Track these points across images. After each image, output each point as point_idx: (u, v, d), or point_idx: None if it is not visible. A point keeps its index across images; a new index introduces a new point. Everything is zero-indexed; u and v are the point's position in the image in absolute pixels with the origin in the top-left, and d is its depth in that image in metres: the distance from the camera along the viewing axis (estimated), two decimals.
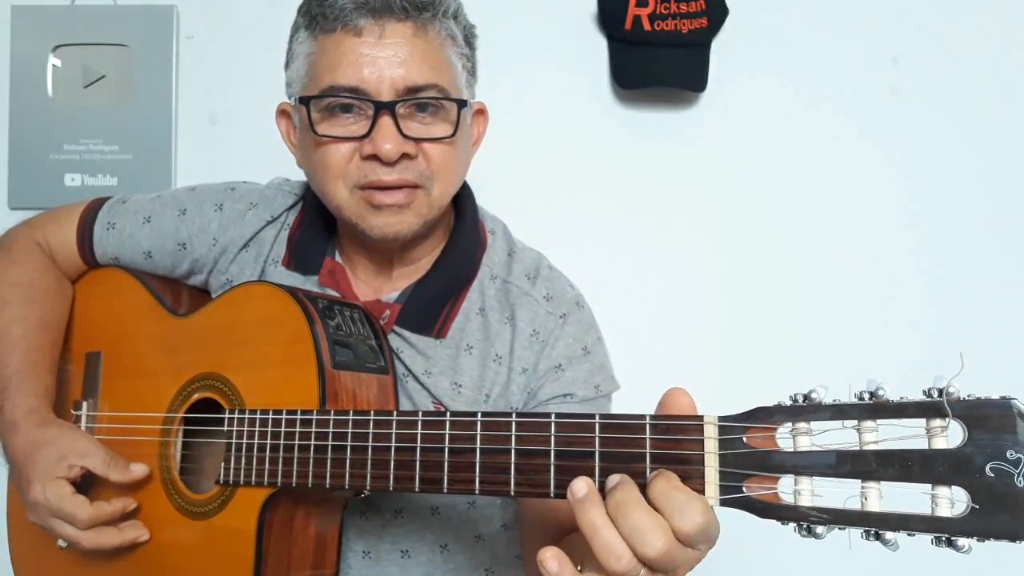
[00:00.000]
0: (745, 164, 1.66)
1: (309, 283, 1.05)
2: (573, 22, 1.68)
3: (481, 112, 1.07)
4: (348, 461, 0.80)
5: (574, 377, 1.00)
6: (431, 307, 1.02)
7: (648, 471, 0.64)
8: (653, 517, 0.60)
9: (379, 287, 1.05)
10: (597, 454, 0.66)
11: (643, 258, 1.66)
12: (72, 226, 1.14)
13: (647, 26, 1.59)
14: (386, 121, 0.91)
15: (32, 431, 0.98)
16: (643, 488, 0.63)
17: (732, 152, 1.66)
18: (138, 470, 0.97)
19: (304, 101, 0.95)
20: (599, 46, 1.66)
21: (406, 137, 0.91)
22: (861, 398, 0.57)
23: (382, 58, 0.91)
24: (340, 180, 0.94)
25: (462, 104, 0.94)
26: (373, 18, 0.91)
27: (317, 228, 1.07)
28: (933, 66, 1.65)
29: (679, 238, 1.66)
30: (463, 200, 1.08)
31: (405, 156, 0.92)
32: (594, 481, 0.66)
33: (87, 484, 0.98)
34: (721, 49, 1.63)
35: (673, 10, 1.59)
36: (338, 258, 1.07)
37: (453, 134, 0.94)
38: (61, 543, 1.00)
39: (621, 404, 1.03)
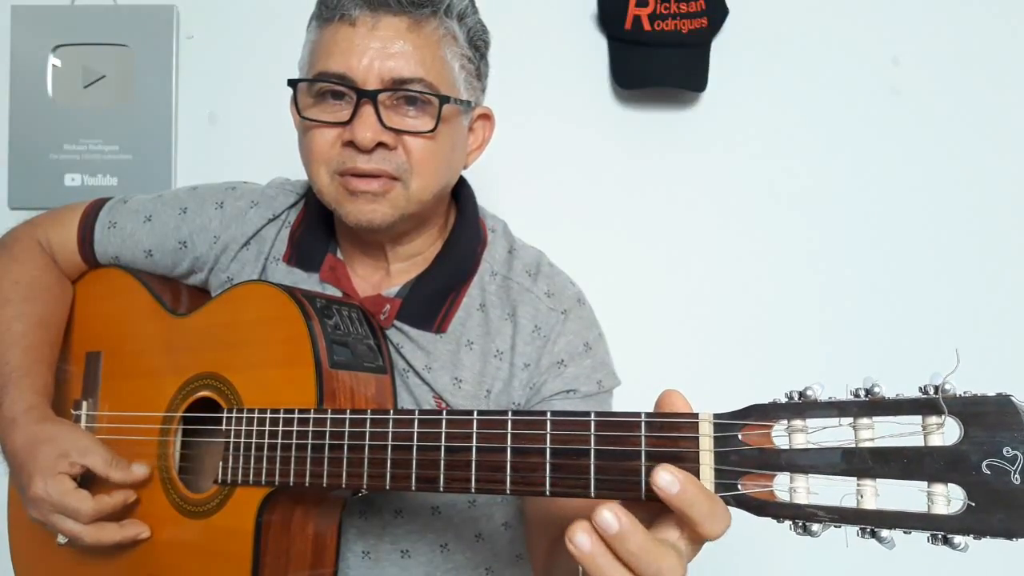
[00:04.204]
0: (745, 164, 1.66)
1: (311, 279, 1.05)
2: (573, 22, 1.68)
3: (487, 117, 1.07)
4: (345, 460, 0.80)
5: (577, 373, 1.01)
6: (431, 302, 1.02)
7: (644, 469, 0.63)
8: (667, 551, 0.60)
9: (379, 283, 1.05)
10: (592, 452, 0.66)
11: (642, 257, 1.66)
12: (73, 226, 1.14)
13: (647, 26, 1.59)
14: (367, 110, 0.92)
15: (31, 427, 0.98)
16: (637, 488, 0.62)
17: (732, 152, 1.66)
18: (139, 471, 0.98)
19: (292, 84, 0.97)
20: (599, 46, 1.66)
21: (386, 127, 0.92)
22: (857, 395, 0.57)
23: (372, 48, 0.92)
24: (322, 165, 0.96)
25: (444, 100, 0.94)
26: (369, 10, 0.92)
27: (319, 225, 1.08)
28: (933, 66, 1.65)
29: (678, 237, 1.66)
30: (464, 198, 1.09)
31: (383, 146, 0.93)
32: (590, 481, 0.66)
33: (86, 482, 0.98)
34: (721, 49, 1.63)
35: (673, 10, 1.59)
36: (339, 255, 1.07)
37: (433, 129, 0.94)
38: (61, 539, 1.00)
39: (619, 401, 1.03)
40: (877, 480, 0.56)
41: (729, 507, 0.60)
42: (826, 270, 1.64)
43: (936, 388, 0.54)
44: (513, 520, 1.06)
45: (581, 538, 0.60)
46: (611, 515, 0.59)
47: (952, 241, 1.63)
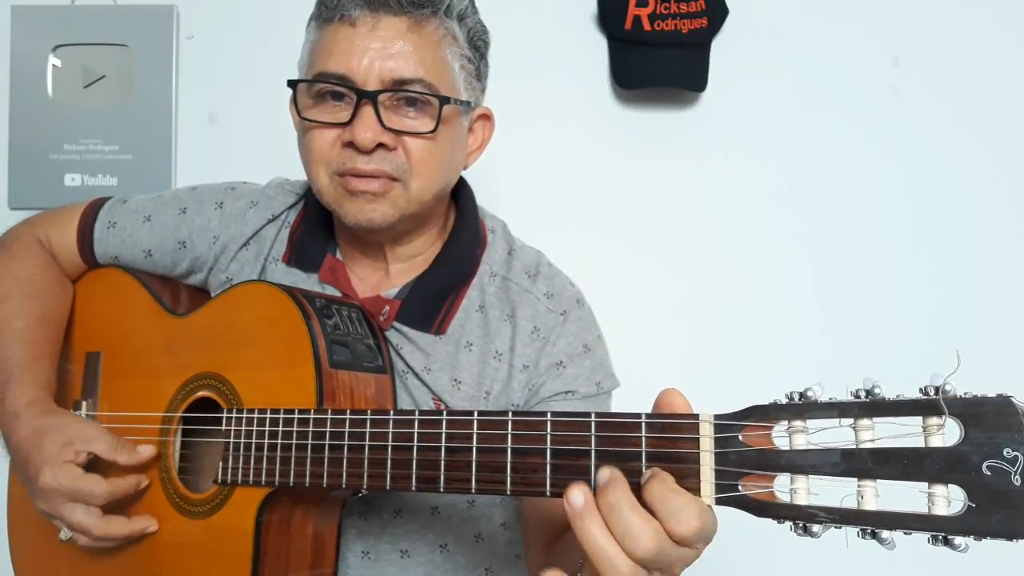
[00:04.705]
0: (745, 164, 1.66)
1: (310, 280, 1.05)
2: (573, 22, 1.68)
3: (487, 118, 1.07)
4: (345, 460, 0.80)
5: (576, 374, 1.01)
6: (431, 303, 1.02)
7: (644, 470, 0.63)
8: (645, 520, 0.61)
9: (378, 284, 1.05)
10: (593, 453, 0.66)
11: (642, 257, 1.66)
12: (73, 225, 1.14)
13: (647, 26, 1.59)
14: (367, 111, 0.91)
15: (35, 420, 0.98)
16: (637, 487, 0.63)
17: (732, 152, 1.66)
18: (146, 451, 0.97)
19: (292, 84, 0.97)
20: (599, 46, 1.66)
21: (386, 128, 0.92)
22: (857, 396, 0.57)
23: (372, 49, 0.92)
24: (322, 165, 0.96)
25: (444, 100, 0.94)
26: (369, 10, 0.92)
27: (318, 226, 1.08)
28: (933, 66, 1.65)
29: (678, 237, 1.66)
30: (463, 199, 1.09)
31: (383, 147, 0.93)
32: (589, 481, 0.66)
33: (92, 471, 0.98)
34: (721, 49, 1.63)
35: (673, 10, 1.59)
36: (338, 255, 1.07)
37: (434, 130, 0.94)
38: (63, 535, 0.99)
39: (619, 402, 1.03)
40: (877, 481, 0.56)
41: (730, 508, 0.61)
42: (826, 270, 1.65)
43: (936, 389, 0.54)
44: (512, 521, 1.06)
45: (576, 495, 0.63)
46: (608, 468, 0.64)
47: (952, 241, 1.63)
